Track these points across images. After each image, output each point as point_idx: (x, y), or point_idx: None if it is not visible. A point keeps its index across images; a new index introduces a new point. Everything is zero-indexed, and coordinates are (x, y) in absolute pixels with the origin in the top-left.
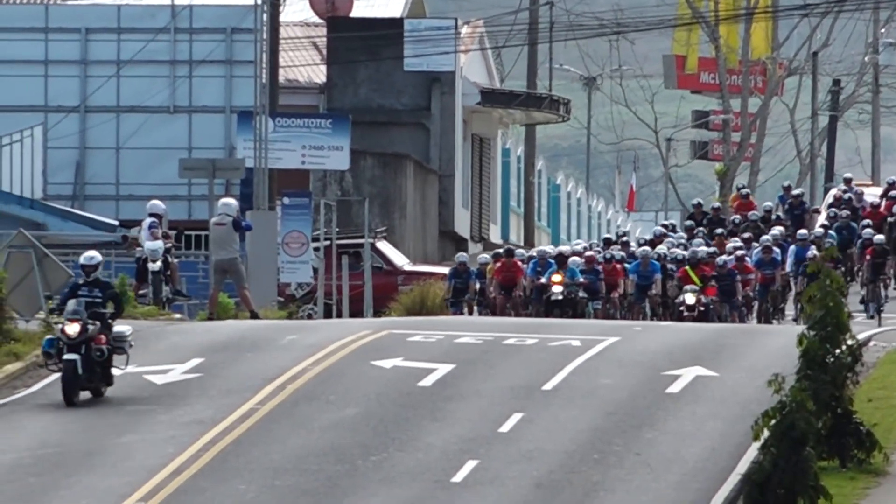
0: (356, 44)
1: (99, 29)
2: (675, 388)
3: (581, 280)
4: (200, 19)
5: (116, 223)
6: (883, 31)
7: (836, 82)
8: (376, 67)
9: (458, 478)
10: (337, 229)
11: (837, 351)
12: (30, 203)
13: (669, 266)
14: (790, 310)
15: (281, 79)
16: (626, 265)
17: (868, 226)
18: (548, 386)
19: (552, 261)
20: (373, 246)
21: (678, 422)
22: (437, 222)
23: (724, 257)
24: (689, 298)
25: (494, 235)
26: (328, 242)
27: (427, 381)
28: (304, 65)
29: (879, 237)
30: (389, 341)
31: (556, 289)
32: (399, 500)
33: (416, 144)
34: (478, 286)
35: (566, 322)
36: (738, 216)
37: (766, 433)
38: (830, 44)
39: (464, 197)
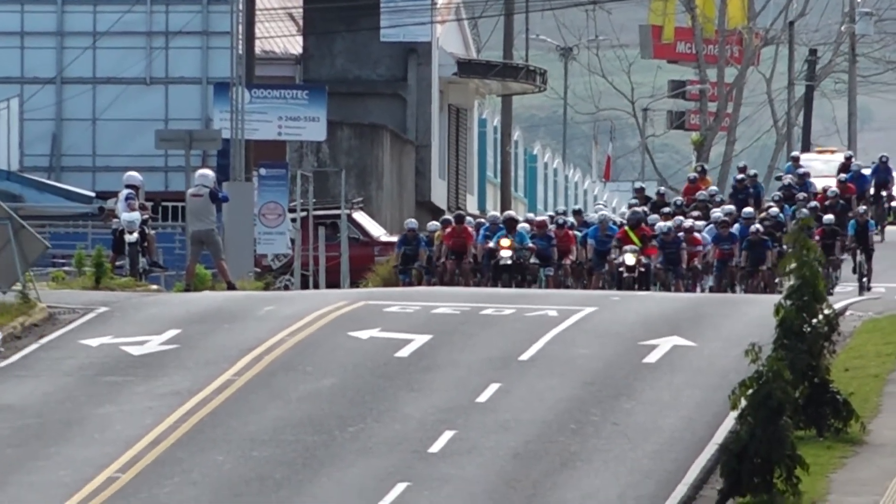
0: (332, 14)
1: (75, 0)
2: (652, 358)
3: (530, 245)
4: None
5: (93, 195)
6: (859, 0)
7: (813, 52)
8: (353, 38)
9: (435, 448)
10: (313, 200)
11: (814, 320)
12: (6, 175)
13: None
14: None
15: (257, 50)
16: (577, 232)
17: (816, 209)
18: (525, 356)
19: (502, 225)
20: (349, 217)
21: (655, 392)
22: (413, 193)
23: (667, 223)
24: (629, 259)
25: (471, 206)
26: (305, 213)
27: (404, 352)
28: (281, 36)
29: (829, 217)
30: (366, 312)
31: (505, 253)
32: (376, 471)
33: (393, 115)
34: (427, 254)
35: (543, 292)
36: (681, 198)
37: (743, 403)
38: (807, 13)
39: (440, 167)
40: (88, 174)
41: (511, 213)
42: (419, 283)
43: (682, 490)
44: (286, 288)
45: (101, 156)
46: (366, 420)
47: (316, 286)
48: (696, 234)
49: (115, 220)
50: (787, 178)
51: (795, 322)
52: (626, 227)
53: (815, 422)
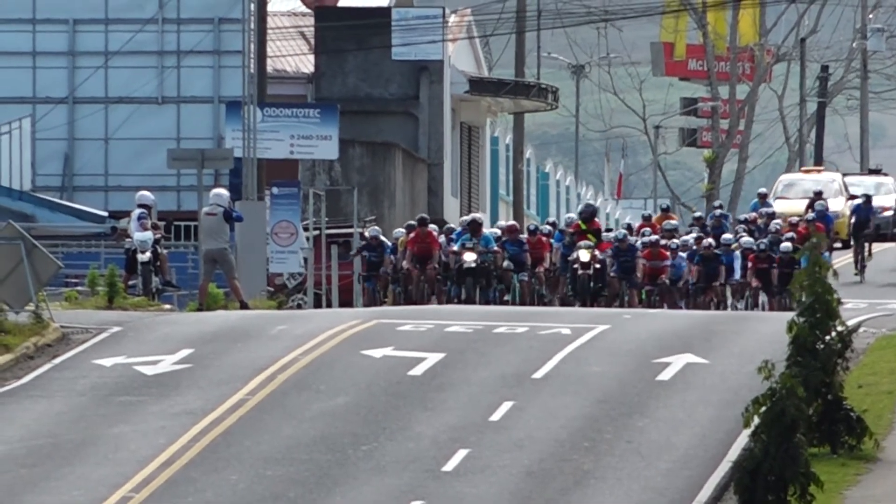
0: (344, 33)
1: (86, 20)
2: (665, 376)
3: (495, 248)
4: (188, 9)
5: (105, 214)
6: (871, 16)
7: (825, 68)
8: (364, 56)
9: (448, 467)
10: (326, 219)
11: (827, 337)
12: (18, 195)
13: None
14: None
15: (269, 69)
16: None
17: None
18: (538, 374)
19: (463, 228)
20: (362, 235)
21: (669, 409)
22: (426, 211)
23: (621, 231)
24: (584, 255)
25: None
26: (317, 232)
27: (417, 371)
28: (293, 54)
29: (786, 245)
30: (379, 331)
31: (469, 256)
32: (390, 490)
33: (405, 133)
34: (392, 261)
35: (556, 310)
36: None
37: (756, 420)
38: (818, 30)
39: (453, 185)
40: (101, 193)
41: (476, 215)
42: (384, 291)
43: None
44: (299, 307)
45: (114, 175)
46: (379, 439)
47: (329, 305)
48: (664, 251)
49: (127, 239)
50: (753, 215)
51: (809, 339)
52: (579, 221)
53: (829, 439)
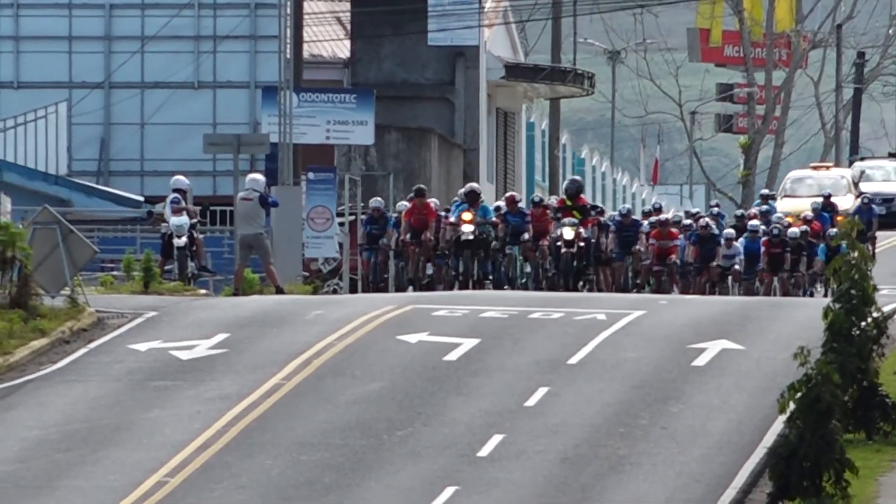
0: (380, 18)
1: (123, 4)
2: (700, 362)
3: (493, 219)
4: None
5: (141, 199)
6: None
7: (861, 55)
8: (400, 42)
9: (483, 452)
10: (361, 204)
11: (863, 323)
12: (55, 179)
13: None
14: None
15: (305, 54)
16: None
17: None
18: (573, 360)
19: (462, 198)
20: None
21: (704, 395)
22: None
23: (625, 206)
24: (567, 233)
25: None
26: (353, 217)
27: (452, 356)
28: (329, 40)
29: (793, 230)
30: (414, 316)
31: (466, 228)
32: (425, 475)
33: (441, 119)
34: (395, 234)
35: (592, 296)
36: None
37: (791, 406)
38: (855, 16)
39: (488, 171)
40: (137, 178)
41: (473, 185)
42: (386, 263)
43: (730, 494)
44: (334, 292)
45: (150, 160)
46: (414, 424)
47: (364, 290)
48: (673, 229)
49: (163, 224)
50: (752, 212)
51: (844, 325)
52: (565, 197)
53: (864, 425)
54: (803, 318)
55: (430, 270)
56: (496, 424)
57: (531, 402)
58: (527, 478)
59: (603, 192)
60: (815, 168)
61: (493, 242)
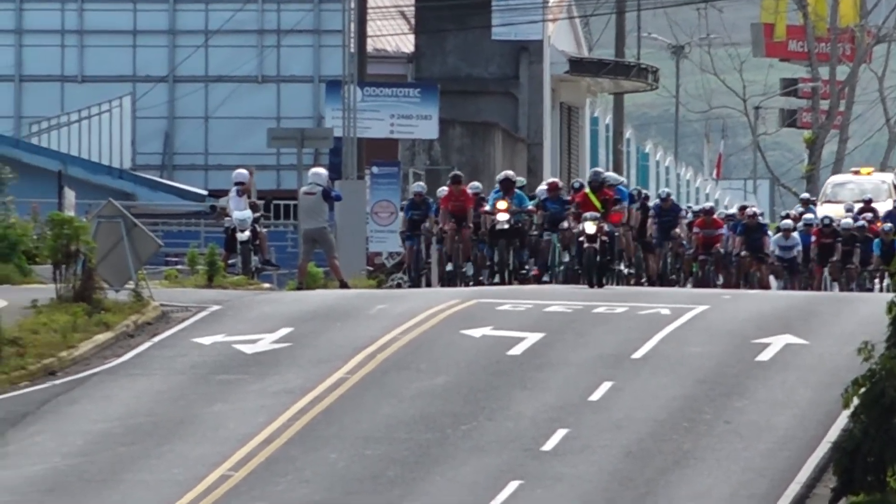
0: (444, 12)
1: None
2: (764, 356)
3: (530, 207)
4: None
5: (205, 193)
6: None
7: None
8: (464, 36)
9: (548, 446)
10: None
11: None
12: (119, 173)
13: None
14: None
15: (369, 48)
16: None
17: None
18: (637, 354)
19: (498, 187)
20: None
21: (768, 390)
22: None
23: (665, 189)
24: (589, 227)
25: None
26: None
27: (516, 350)
28: (393, 34)
29: (846, 221)
30: (479, 310)
31: (501, 217)
32: (489, 469)
33: (505, 113)
34: (435, 219)
35: (656, 290)
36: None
37: (855, 401)
38: None
39: (552, 166)
40: (200, 172)
41: (508, 172)
42: (427, 249)
43: (794, 488)
44: (398, 286)
45: (213, 154)
46: (478, 418)
47: (428, 284)
48: (717, 217)
49: (227, 218)
50: (793, 213)
51: None
52: (587, 190)
53: None
54: (867, 312)
55: (469, 271)
56: (560, 419)
57: (595, 396)
58: (591, 472)
59: (667, 186)
60: (856, 173)
61: (534, 228)
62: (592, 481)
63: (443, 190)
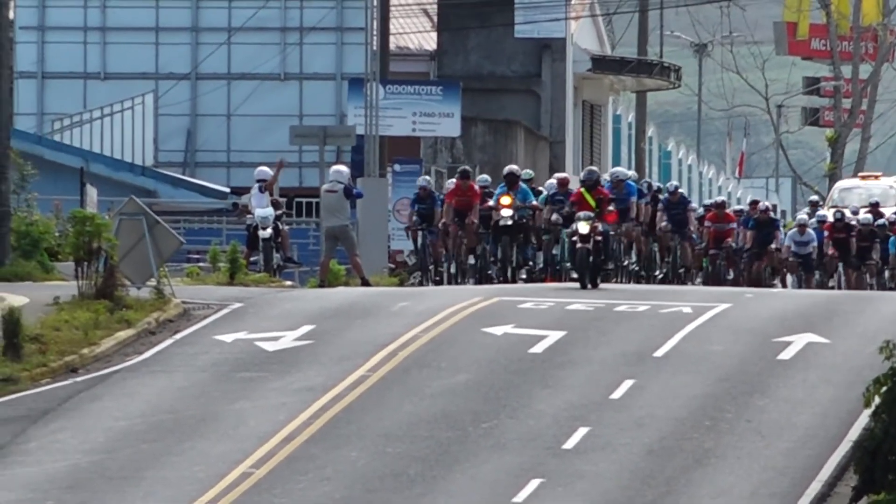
0: (467, 10)
1: None
2: (786, 355)
3: (533, 202)
4: None
5: (227, 190)
6: None
7: None
8: (487, 34)
9: (569, 444)
10: None
11: None
12: (141, 170)
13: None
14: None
15: (392, 46)
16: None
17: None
18: (659, 352)
19: (502, 182)
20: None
21: (789, 388)
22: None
23: (674, 182)
24: (582, 227)
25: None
26: None
27: (538, 348)
28: (415, 32)
29: (866, 216)
30: (500, 308)
31: (505, 212)
32: (510, 467)
33: (527, 111)
34: (441, 214)
35: (677, 289)
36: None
37: (877, 400)
38: None
39: (575, 163)
40: (223, 170)
41: (512, 167)
42: (436, 243)
43: (816, 487)
44: (420, 284)
45: (236, 151)
46: (500, 416)
47: (450, 282)
48: (730, 212)
49: (249, 215)
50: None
51: None
52: (582, 189)
53: None
54: (889, 312)
55: (471, 261)
56: (582, 417)
57: (617, 394)
58: (612, 470)
59: (689, 184)
60: (863, 178)
61: (541, 225)
62: (613, 479)
63: (451, 182)
